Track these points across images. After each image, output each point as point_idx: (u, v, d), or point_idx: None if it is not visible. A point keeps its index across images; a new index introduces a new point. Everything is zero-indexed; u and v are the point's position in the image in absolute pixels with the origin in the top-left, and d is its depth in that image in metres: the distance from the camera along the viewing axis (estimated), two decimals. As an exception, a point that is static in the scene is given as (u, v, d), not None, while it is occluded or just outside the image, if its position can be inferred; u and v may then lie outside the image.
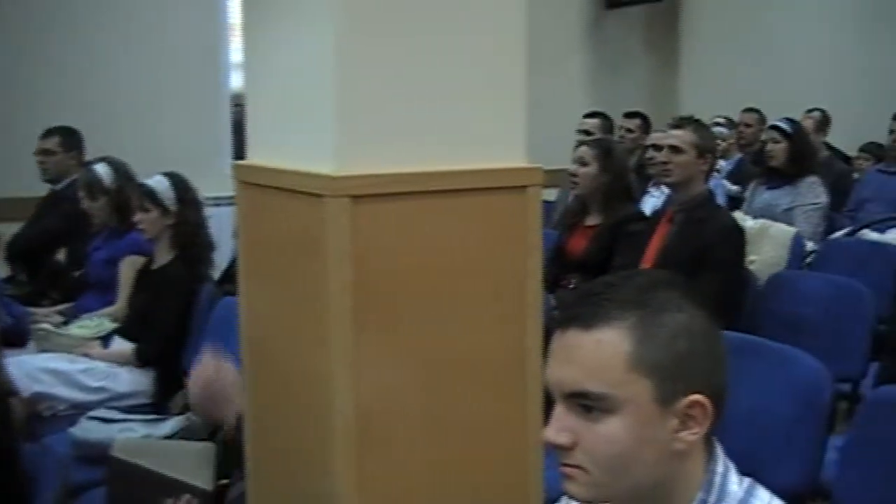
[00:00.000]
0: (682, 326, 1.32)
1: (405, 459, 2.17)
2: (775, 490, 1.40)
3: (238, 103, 6.60)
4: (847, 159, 7.75)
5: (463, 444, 2.23)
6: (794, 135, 5.40)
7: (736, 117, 7.63)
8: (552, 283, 4.27)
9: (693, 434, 1.32)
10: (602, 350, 1.30)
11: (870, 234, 5.38)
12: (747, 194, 5.57)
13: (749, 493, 1.37)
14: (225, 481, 2.70)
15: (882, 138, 6.86)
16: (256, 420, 2.50)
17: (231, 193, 2.57)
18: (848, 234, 5.41)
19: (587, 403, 1.30)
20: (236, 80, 6.99)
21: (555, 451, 1.34)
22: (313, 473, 2.20)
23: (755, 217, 5.07)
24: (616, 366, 1.29)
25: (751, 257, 4.52)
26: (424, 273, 2.17)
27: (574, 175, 4.51)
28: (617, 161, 4.51)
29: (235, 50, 7.03)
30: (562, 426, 1.32)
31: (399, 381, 2.15)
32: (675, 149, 3.97)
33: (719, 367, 1.36)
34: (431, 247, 2.18)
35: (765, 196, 5.41)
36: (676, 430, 1.31)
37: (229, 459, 2.66)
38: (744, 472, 1.41)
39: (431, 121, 2.20)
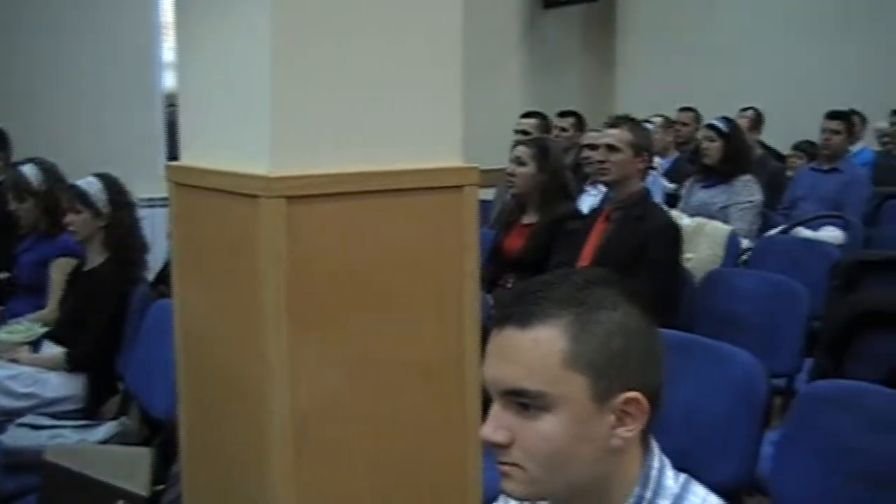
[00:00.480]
0: (618, 324, 1.33)
1: (343, 461, 2.16)
2: (712, 485, 1.42)
3: (172, 103, 6.53)
4: (781, 157, 7.86)
5: (401, 445, 2.24)
6: (729, 134, 5.47)
7: (672, 116, 7.71)
8: (490, 282, 4.29)
9: (629, 431, 1.34)
10: (538, 348, 1.30)
11: (803, 232, 5.46)
12: (683, 192, 5.63)
13: (685, 489, 1.38)
14: (160, 486, 2.68)
15: (815, 137, 6.97)
16: (191, 423, 2.48)
17: (165, 195, 2.54)
18: (782, 232, 5.49)
19: (524, 401, 1.31)
20: (170, 80, 6.92)
21: (492, 450, 1.35)
22: (250, 476, 2.19)
23: (691, 215, 5.11)
24: (552, 364, 1.30)
25: (687, 255, 4.56)
26: (361, 274, 2.17)
27: (511, 175, 4.53)
28: (553, 160, 4.54)
29: (168, 49, 6.96)
30: (499, 424, 1.33)
31: (336, 382, 2.15)
32: (611, 148, 4.00)
33: (655, 364, 1.38)
34: (368, 247, 2.19)
35: (700, 194, 5.47)
36: (613, 426, 1.33)
37: (164, 464, 2.64)
38: (681, 467, 1.42)
39: (367, 121, 2.20)
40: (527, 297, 1.35)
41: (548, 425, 1.30)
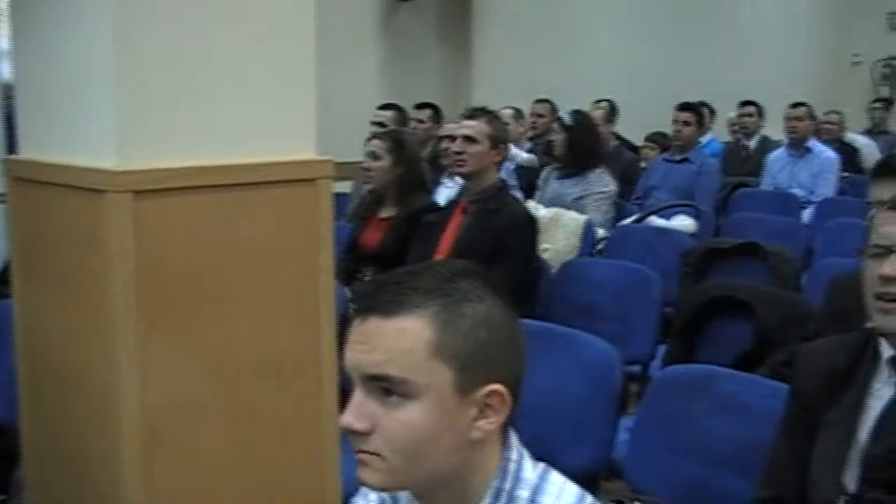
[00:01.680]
0: (483, 316, 1.34)
1: (197, 462, 2.14)
2: (570, 470, 1.45)
3: (9, 95, 6.29)
4: (634, 149, 8.05)
5: (258, 443, 2.22)
6: (576, 127, 5.55)
7: (528, 107, 7.80)
8: (347, 275, 4.28)
9: (490, 423, 1.35)
10: (404, 337, 1.31)
11: (657, 221, 5.61)
12: (539, 183, 5.71)
13: (542, 479, 1.41)
14: (2, 497, 2.59)
15: (667, 128, 7.16)
16: (35, 429, 2.41)
17: (2, 191, 2.46)
18: (636, 221, 5.62)
19: (387, 387, 1.31)
20: (5, 70, 6.66)
21: (351, 438, 1.34)
22: (99, 480, 2.14)
23: (547, 206, 5.20)
24: (418, 352, 1.30)
25: (544, 246, 4.63)
26: (213, 269, 2.14)
27: (368, 169, 4.52)
28: (409, 153, 4.55)
29: (2, 36, 6.69)
30: (360, 412, 1.32)
31: (189, 381, 2.12)
32: (469, 139, 4.02)
33: (518, 356, 1.40)
34: (220, 242, 2.16)
35: (556, 186, 5.56)
36: (474, 418, 1.34)
37: (5, 471, 2.55)
38: (539, 455, 1.45)
39: (216, 114, 2.17)
40: (391, 286, 1.34)
41: (410, 414, 1.30)
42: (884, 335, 2.12)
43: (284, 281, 2.27)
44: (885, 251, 2.07)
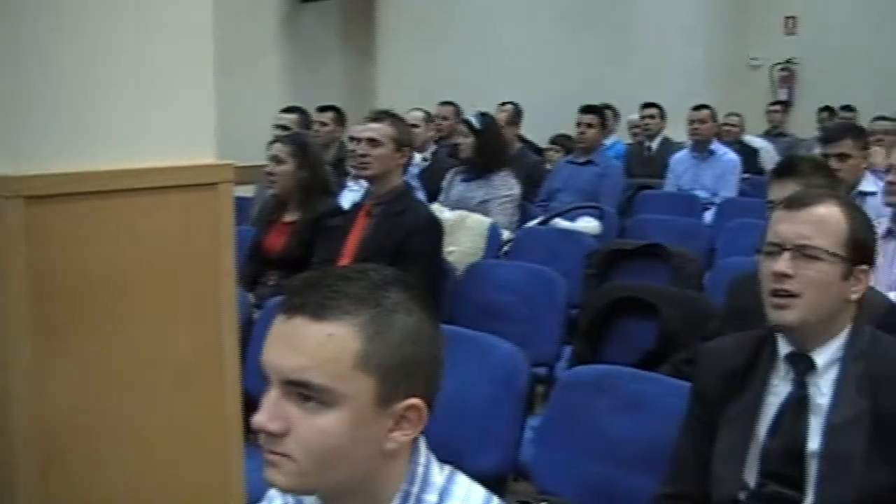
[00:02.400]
0: (412, 330, 1.34)
1: (97, 472, 2.10)
2: (478, 473, 1.46)
3: None
4: (539, 151, 8.12)
5: (160, 451, 2.19)
6: (482, 129, 5.59)
7: (433, 110, 7.82)
8: (250, 280, 4.25)
9: (406, 435, 1.35)
10: (331, 343, 1.29)
11: (561, 223, 5.66)
12: (444, 185, 5.72)
13: (449, 481, 1.42)
14: None
15: (571, 130, 7.23)
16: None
17: None
18: (541, 224, 5.67)
19: (307, 393, 1.30)
20: None
21: (261, 437, 1.33)
22: (-7, 497, 2.09)
23: (452, 209, 5.22)
24: (343, 361, 1.29)
25: (449, 248, 4.65)
26: (111, 276, 2.11)
27: (271, 174, 4.48)
28: (313, 156, 4.53)
29: None
30: (275, 413, 1.31)
31: (87, 391, 2.08)
32: (373, 142, 4.02)
33: (438, 371, 1.40)
34: (118, 248, 2.13)
35: (460, 188, 5.58)
36: (390, 430, 1.34)
37: None
38: (447, 458, 1.45)
39: (112, 118, 2.14)
40: (322, 288, 1.33)
41: (327, 421, 1.30)
42: (780, 332, 2.17)
43: (185, 286, 2.24)
44: (779, 249, 2.13)
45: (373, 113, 4.29)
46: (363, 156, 4.02)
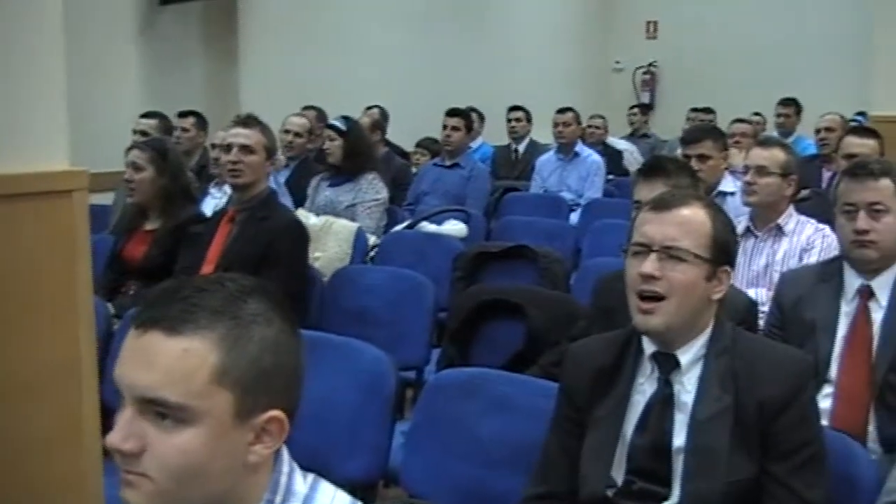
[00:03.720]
0: (271, 341, 1.32)
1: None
2: (348, 480, 1.46)
3: None
4: (405, 154, 8.14)
5: (14, 466, 2.12)
6: (349, 133, 5.58)
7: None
8: (110, 290, 4.15)
9: (267, 448, 1.34)
10: (188, 359, 1.27)
11: (428, 227, 5.69)
12: (310, 191, 5.69)
13: (313, 489, 1.41)
14: None
15: (436, 133, 7.27)
16: None
17: None
18: (408, 227, 5.68)
19: (163, 411, 1.27)
20: None
21: (117, 457, 1.29)
22: None
23: (318, 214, 5.20)
24: (200, 377, 1.27)
25: (315, 254, 4.63)
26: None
27: (130, 181, 4.38)
28: (173, 163, 4.43)
29: None
30: (129, 432, 1.28)
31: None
32: (246, 149, 3.96)
33: (298, 381, 1.38)
34: (-35, 258, 2.05)
35: (327, 193, 5.56)
36: (251, 443, 1.32)
37: None
38: (315, 466, 1.45)
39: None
40: (178, 302, 1.30)
41: (185, 439, 1.27)
42: (646, 335, 2.22)
43: (40, 297, 2.18)
44: (646, 250, 2.18)
45: (239, 118, 4.23)
46: (236, 163, 3.95)
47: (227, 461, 1.31)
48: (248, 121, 4.11)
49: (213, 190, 5.39)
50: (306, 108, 7.68)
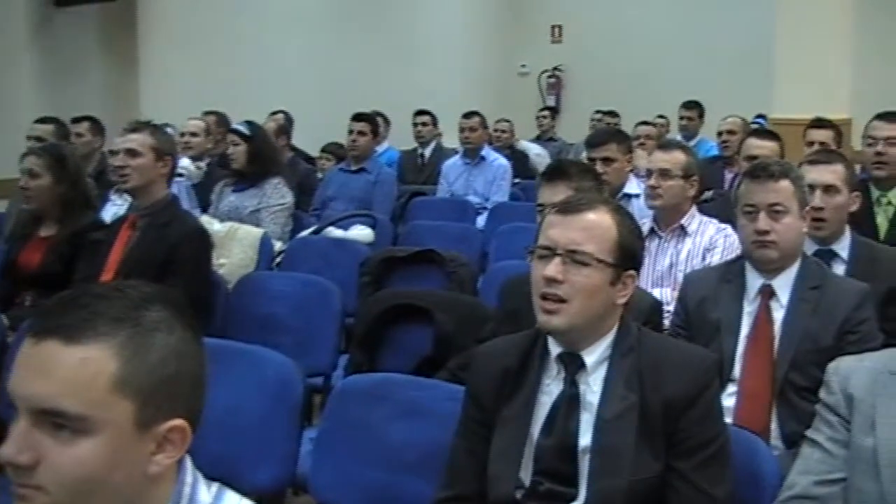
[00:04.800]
0: (173, 349, 1.31)
1: None
2: (256, 489, 1.46)
3: None
4: (311, 159, 8.11)
5: None
6: (253, 137, 5.54)
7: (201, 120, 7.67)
8: (4, 301, 4.06)
9: (169, 457, 1.33)
10: (86, 368, 1.25)
11: (334, 232, 5.67)
12: (213, 197, 5.64)
13: (218, 499, 1.40)
14: None
15: (342, 138, 7.25)
16: None
17: None
18: (314, 233, 5.66)
19: (60, 422, 1.25)
20: None
21: (10, 471, 1.27)
22: None
23: (222, 220, 5.15)
24: (99, 386, 1.25)
25: (220, 261, 4.59)
26: None
27: (25, 188, 4.28)
28: (72, 169, 4.35)
29: None
30: (24, 444, 1.26)
31: None
32: (132, 153, 3.93)
33: (201, 389, 1.37)
34: None
35: (231, 199, 5.51)
36: (153, 453, 1.31)
37: None
38: (222, 476, 1.44)
39: None
40: (76, 310, 1.28)
41: (84, 450, 1.25)
42: (550, 334, 2.25)
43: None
44: (550, 253, 2.20)
45: (132, 123, 4.19)
46: (122, 167, 3.93)
47: (127, 472, 1.29)
48: (138, 125, 4.10)
49: (113, 196, 5.31)
50: (207, 112, 7.60)
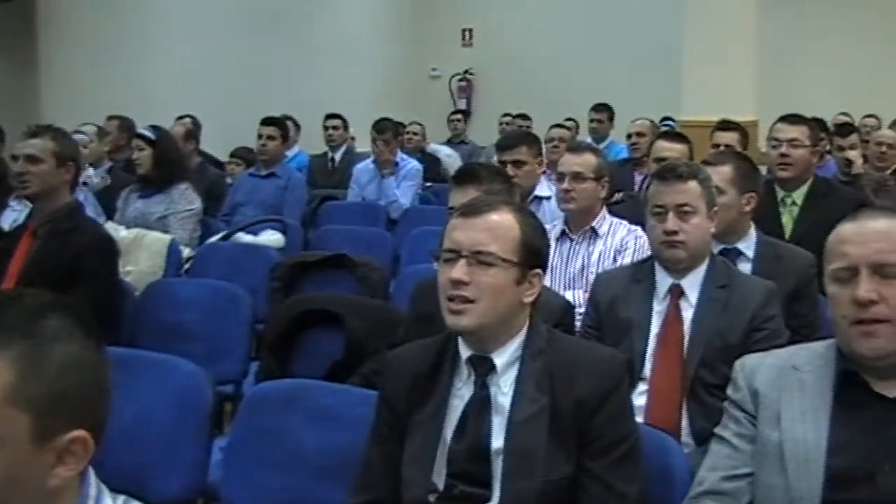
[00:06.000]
0: (72, 359, 1.28)
1: None
2: (165, 499, 1.45)
3: None
4: (219, 164, 8.04)
5: None
6: (159, 141, 5.48)
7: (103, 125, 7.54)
8: None
9: (70, 470, 1.30)
10: None
11: (244, 237, 5.64)
12: (119, 203, 5.56)
13: (124, 510, 1.38)
14: None
15: (251, 143, 7.20)
16: None
17: None
18: (223, 238, 5.62)
19: None
20: None
21: None
22: None
23: (129, 227, 5.09)
24: None
25: (127, 268, 4.53)
26: None
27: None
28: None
29: None
30: None
31: None
32: (32, 159, 3.86)
33: (104, 399, 1.35)
34: None
35: (138, 205, 5.44)
36: (53, 466, 1.28)
37: None
38: (129, 487, 1.42)
39: None
40: None
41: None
42: (459, 335, 2.27)
43: None
44: (456, 255, 2.23)
45: (31, 128, 4.11)
46: (22, 174, 3.86)
47: (25, 487, 1.26)
48: (38, 130, 4.03)
49: (13, 203, 5.21)
50: (111, 117, 7.48)
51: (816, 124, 5.37)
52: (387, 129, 7.32)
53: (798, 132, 4.52)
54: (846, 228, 2.11)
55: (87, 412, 1.31)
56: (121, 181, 6.22)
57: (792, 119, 4.65)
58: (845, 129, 6.79)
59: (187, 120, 7.84)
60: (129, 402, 2.74)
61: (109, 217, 5.49)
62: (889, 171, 6.39)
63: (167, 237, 5.00)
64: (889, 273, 2.03)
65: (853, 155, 6.20)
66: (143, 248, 4.85)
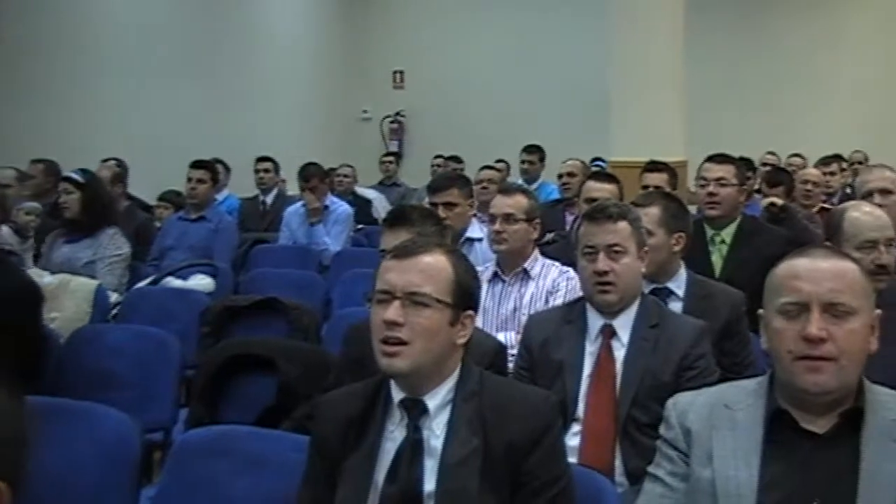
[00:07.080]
0: None
1: None
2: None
3: None
4: (147, 208, 7.96)
5: None
6: (88, 185, 5.43)
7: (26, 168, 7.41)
8: None
9: None
10: None
11: (174, 282, 5.59)
12: (44, 248, 5.48)
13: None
14: None
15: (180, 186, 7.14)
16: None
17: None
18: (152, 283, 5.56)
19: None
20: None
21: None
22: None
23: (54, 272, 5.01)
24: None
25: (51, 314, 4.45)
26: None
27: None
28: None
29: None
30: None
31: None
32: None
33: (23, 450, 1.33)
34: None
35: (64, 250, 5.37)
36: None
37: None
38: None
39: None
40: None
41: None
42: (392, 378, 2.26)
43: None
44: (389, 297, 2.23)
45: None
46: None
47: None
48: None
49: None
50: (35, 161, 7.35)
51: (743, 163, 5.47)
52: (312, 177, 7.30)
53: (725, 171, 4.61)
54: (799, 264, 2.12)
55: (4, 464, 1.29)
56: (45, 226, 6.12)
57: (719, 158, 4.74)
58: (774, 178, 6.82)
59: (112, 163, 7.75)
60: (53, 453, 2.68)
61: (33, 260, 5.41)
62: (815, 210, 6.52)
63: (93, 282, 4.93)
64: (838, 312, 2.05)
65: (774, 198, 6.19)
66: (68, 293, 4.78)
